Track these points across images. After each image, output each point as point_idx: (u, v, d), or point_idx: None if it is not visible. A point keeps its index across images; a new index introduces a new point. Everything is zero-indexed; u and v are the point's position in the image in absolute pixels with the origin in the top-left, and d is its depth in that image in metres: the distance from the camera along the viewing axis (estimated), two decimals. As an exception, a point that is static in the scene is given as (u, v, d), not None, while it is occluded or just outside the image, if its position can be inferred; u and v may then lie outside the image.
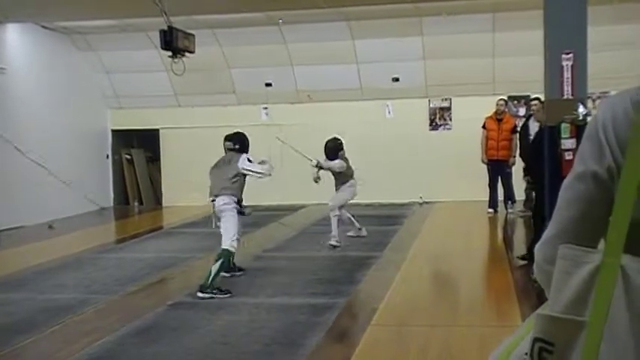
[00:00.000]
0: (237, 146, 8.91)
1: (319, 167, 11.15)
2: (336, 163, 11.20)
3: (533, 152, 9.88)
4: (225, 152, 9.03)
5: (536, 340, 1.45)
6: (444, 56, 15.84)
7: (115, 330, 6.95)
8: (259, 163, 8.81)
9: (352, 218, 11.83)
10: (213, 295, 8.05)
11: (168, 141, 17.85)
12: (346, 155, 11.45)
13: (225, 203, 8.54)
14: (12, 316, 7.64)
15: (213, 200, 8.62)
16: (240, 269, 9.23)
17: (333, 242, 11.13)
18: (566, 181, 1.55)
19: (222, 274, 8.52)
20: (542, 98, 8.56)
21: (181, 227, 14.20)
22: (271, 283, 8.83)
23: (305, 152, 11.40)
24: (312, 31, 15.71)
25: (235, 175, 8.63)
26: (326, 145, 11.39)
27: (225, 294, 8.13)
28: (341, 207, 11.39)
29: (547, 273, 1.53)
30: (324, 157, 11.34)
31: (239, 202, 8.67)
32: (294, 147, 11.68)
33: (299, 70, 16.75)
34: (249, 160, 8.69)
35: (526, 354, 1.51)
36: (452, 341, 6.42)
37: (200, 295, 8.07)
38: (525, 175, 10.46)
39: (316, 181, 11.36)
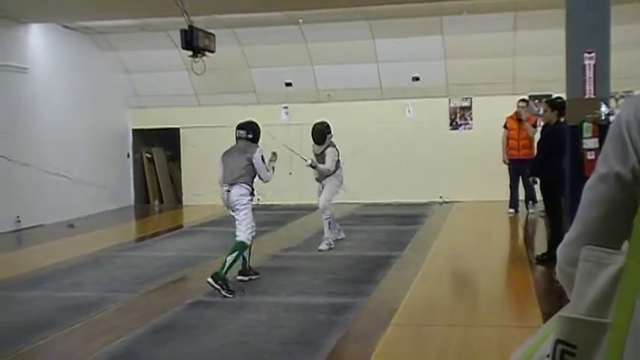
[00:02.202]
0: (250, 135, 8.79)
1: (313, 167, 10.91)
2: (329, 163, 10.82)
3: (542, 151, 9.77)
4: (237, 140, 8.87)
5: (558, 342, 1.42)
6: (465, 55, 15.77)
7: (134, 328, 6.96)
8: (267, 170, 8.79)
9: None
10: (220, 289, 8.02)
11: (189, 140, 17.89)
12: (333, 139, 11.06)
13: (241, 195, 8.51)
14: (31, 314, 7.67)
15: (227, 190, 8.55)
16: (255, 273, 9.10)
17: (324, 246, 10.85)
18: (589, 182, 1.52)
19: (240, 277, 8.62)
20: (565, 97, 8.47)
21: (201, 226, 14.22)
22: (290, 282, 8.82)
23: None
24: (333, 30, 15.69)
25: (248, 165, 8.59)
26: (313, 129, 11.06)
27: (230, 293, 8.06)
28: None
29: (569, 275, 1.50)
30: (312, 141, 11.06)
31: (253, 190, 8.66)
32: (291, 148, 11.56)
33: (319, 69, 16.74)
34: (262, 160, 8.67)
35: (548, 356, 1.48)
36: (472, 341, 6.38)
37: (209, 280, 8.07)
38: (532, 174, 10.36)
39: (318, 180, 11.23)
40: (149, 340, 6.61)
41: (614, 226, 1.45)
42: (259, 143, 8.89)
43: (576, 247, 1.47)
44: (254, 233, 8.77)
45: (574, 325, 1.40)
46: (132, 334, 6.78)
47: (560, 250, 1.57)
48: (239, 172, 8.55)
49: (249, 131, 8.83)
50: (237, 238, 8.47)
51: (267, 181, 8.89)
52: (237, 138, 8.87)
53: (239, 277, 8.78)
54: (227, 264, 8.20)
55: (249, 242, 8.58)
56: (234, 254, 8.33)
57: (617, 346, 1.33)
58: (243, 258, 8.81)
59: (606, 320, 1.36)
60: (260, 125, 9.03)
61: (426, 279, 8.99)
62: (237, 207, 8.52)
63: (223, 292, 8.03)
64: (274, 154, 9.20)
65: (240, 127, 8.93)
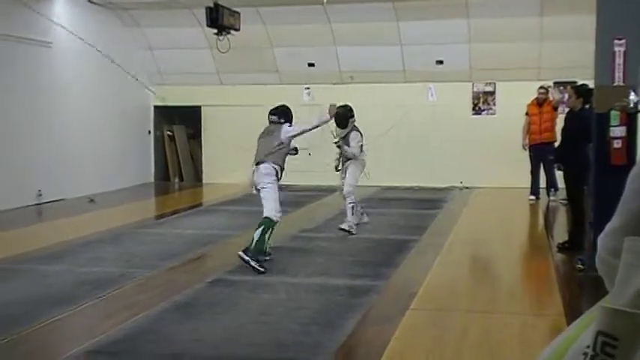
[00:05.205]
0: (281, 120, 8.92)
1: (339, 147, 10.88)
2: (355, 148, 10.79)
3: (566, 138, 9.65)
4: (270, 125, 9.02)
5: (599, 333, 1.38)
6: (490, 40, 15.64)
7: (153, 305, 6.97)
8: (317, 119, 9.11)
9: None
10: (250, 262, 8.16)
11: (210, 118, 17.90)
12: (356, 123, 11.00)
13: (266, 174, 8.61)
14: (52, 287, 7.71)
15: (255, 168, 8.70)
16: (268, 254, 8.88)
17: (345, 226, 10.69)
18: (633, 172, 1.48)
19: (241, 253, 8.35)
20: (592, 85, 8.38)
21: (221, 204, 14.24)
22: (310, 264, 8.82)
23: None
24: (357, 11, 15.59)
25: (279, 144, 8.73)
26: (336, 112, 10.96)
27: (260, 269, 8.17)
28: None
29: (610, 265, 1.46)
30: (335, 125, 10.94)
31: (281, 170, 8.75)
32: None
33: (342, 50, 16.66)
34: (289, 126, 8.83)
35: (588, 347, 1.44)
36: (491, 328, 6.35)
37: (240, 254, 8.25)
38: (556, 161, 10.28)
39: (337, 169, 11.20)
40: (169, 317, 6.62)
41: (659, 217, 1.41)
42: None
43: (618, 238, 1.43)
44: (280, 213, 8.73)
45: (616, 316, 1.37)
46: (151, 310, 6.80)
47: (601, 239, 1.53)
48: (268, 151, 8.67)
49: (281, 116, 8.96)
50: (264, 214, 8.56)
51: (295, 134, 8.88)
52: (270, 122, 9.01)
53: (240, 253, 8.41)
54: (254, 240, 8.33)
55: (275, 219, 8.59)
56: (260, 229, 8.42)
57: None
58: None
59: (650, 312, 1.32)
60: (291, 108, 9.17)
61: (446, 264, 8.96)
62: (261, 185, 8.61)
63: (252, 264, 8.17)
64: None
65: (272, 112, 9.07)
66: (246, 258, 8.21)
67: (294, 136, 8.89)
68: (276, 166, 8.67)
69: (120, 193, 15.93)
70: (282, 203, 8.86)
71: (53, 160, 14.27)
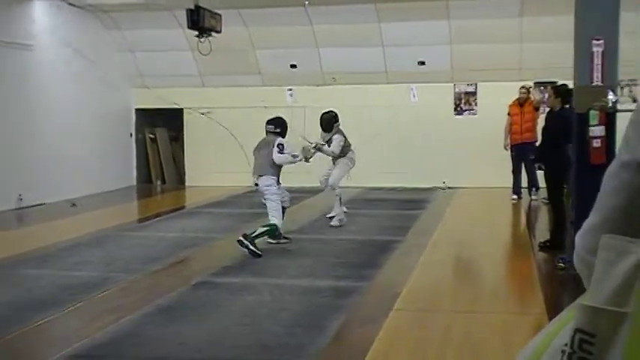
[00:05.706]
0: (277, 130, 9.90)
1: (318, 149, 11.16)
2: (334, 146, 11.32)
3: (546, 138, 9.71)
4: (267, 134, 9.91)
5: (576, 330, 1.40)
6: (471, 41, 15.70)
7: (137, 308, 6.96)
8: (292, 155, 9.86)
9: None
10: (248, 247, 9.02)
11: (192, 121, 17.86)
12: (341, 127, 11.57)
13: (267, 185, 9.63)
14: (34, 292, 7.67)
15: (258, 177, 9.74)
16: (285, 237, 10.07)
17: (336, 222, 11.35)
18: (610, 168, 1.50)
19: (269, 240, 9.74)
20: (571, 85, 8.45)
21: (204, 207, 14.21)
22: (293, 265, 8.83)
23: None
24: (339, 13, 15.62)
25: (272, 161, 9.66)
26: (321, 117, 11.58)
27: (256, 255, 9.04)
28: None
29: (587, 263, 1.48)
30: (320, 130, 11.52)
31: (279, 179, 9.80)
32: (305, 137, 11.77)
33: (324, 52, 16.68)
34: (279, 146, 9.62)
35: (566, 344, 1.46)
36: (474, 327, 6.39)
37: (239, 239, 9.11)
38: (537, 161, 10.37)
39: (307, 160, 11.34)
40: (152, 320, 6.62)
41: (636, 214, 1.43)
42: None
43: (596, 236, 1.44)
44: (288, 204, 10.14)
45: (593, 313, 1.39)
46: (135, 314, 6.79)
47: (579, 237, 1.54)
48: (265, 165, 9.67)
49: (277, 126, 9.97)
50: (270, 221, 9.58)
51: (279, 163, 9.74)
52: (267, 132, 9.96)
53: (269, 240, 9.79)
54: (257, 232, 9.29)
55: (280, 225, 9.71)
56: (265, 229, 9.43)
57: (638, 335, 1.31)
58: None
59: (626, 310, 1.34)
60: (286, 120, 10.14)
61: (429, 264, 8.99)
62: (266, 196, 9.66)
63: (252, 247, 9.05)
64: (307, 149, 10.50)
65: (269, 122, 10.08)
66: (246, 242, 9.06)
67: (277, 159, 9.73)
68: (274, 177, 9.73)
69: (102, 196, 15.86)
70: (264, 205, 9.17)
71: (34, 163, 14.18)
